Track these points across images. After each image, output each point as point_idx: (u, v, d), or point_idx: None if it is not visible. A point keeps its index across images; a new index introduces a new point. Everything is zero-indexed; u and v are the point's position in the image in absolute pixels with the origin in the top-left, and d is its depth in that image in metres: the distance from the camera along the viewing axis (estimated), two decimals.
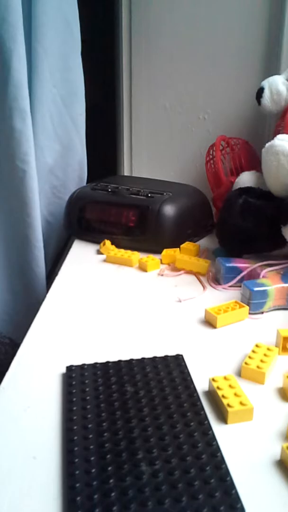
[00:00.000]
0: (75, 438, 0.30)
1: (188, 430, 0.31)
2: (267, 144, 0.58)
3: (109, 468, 0.28)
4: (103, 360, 0.39)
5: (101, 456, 0.29)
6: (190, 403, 0.34)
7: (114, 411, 0.33)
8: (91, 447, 0.29)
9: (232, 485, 0.26)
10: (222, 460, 0.28)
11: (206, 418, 0.32)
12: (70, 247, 0.72)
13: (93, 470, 0.28)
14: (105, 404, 0.33)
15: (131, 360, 0.39)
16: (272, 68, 0.81)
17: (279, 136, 0.57)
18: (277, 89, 0.72)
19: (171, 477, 0.27)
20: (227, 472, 0.27)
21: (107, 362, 0.39)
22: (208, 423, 0.32)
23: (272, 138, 0.58)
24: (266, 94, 0.72)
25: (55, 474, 0.29)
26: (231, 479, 0.27)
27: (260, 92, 0.73)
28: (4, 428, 0.33)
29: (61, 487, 0.28)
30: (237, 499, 0.26)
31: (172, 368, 0.37)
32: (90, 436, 0.30)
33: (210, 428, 0.31)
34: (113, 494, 0.26)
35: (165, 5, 0.84)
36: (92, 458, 0.29)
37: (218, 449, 0.29)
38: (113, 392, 0.35)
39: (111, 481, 0.27)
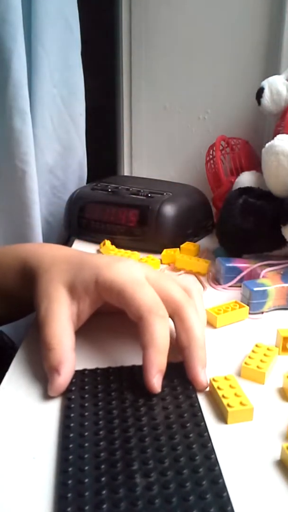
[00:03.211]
0: (71, 446, 0.30)
1: (187, 442, 0.30)
2: (267, 144, 0.58)
3: (103, 479, 0.27)
4: (105, 366, 0.39)
5: (95, 466, 0.28)
6: (191, 413, 0.33)
7: (112, 419, 0.32)
8: (86, 456, 0.29)
9: (228, 502, 0.26)
10: (220, 475, 0.28)
11: (206, 430, 0.32)
12: (70, 247, 0.72)
13: (86, 480, 0.27)
14: (103, 412, 0.33)
15: (133, 366, 0.38)
16: (272, 68, 0.81)
17: (279, 136, 0.57)
18: (277, 89, 0.72)
19: (165, 491, 0.26)
20: (223, 488, 0.27)
21: (109, 368, 0.38)
22: (208, 435, 0.31)
23: (272, 138, 0.58)
24: (266, 94, 0.72)
25: (54, 475, 0.29)
26: (227, 495, 0.26)
27: (260, 92, 0.73)
28: (4, 428, 0.33)
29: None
30: None
31: (174, 376, 0.37)
32: (86, 444, 0.30)
33: (209, 440, 0.31)
34: (104, 506, 0.25)
35: (165, 5, 0.84)
36: (86, 468, 0.28)
37: (216, 462, 0.29)
38: (113, 399, 0.34)
39: (103, 492, 0.26)
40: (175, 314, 0.39)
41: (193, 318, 0.38)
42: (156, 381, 0.35)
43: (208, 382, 0.37)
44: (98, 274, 0.39)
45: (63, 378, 0.35)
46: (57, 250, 0.44)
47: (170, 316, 0.39)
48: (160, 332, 0.36)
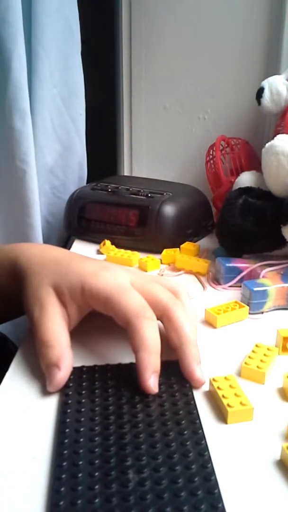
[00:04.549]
0: (66, 441, 0.30)
1: (181, 439, 0.30)
2: (267, 144, 0.58)
3: (96, 474, 0.27)
4: (103, 363, 0.39)
5: (89, 462, 0.28)
6: (186, 411, 0.33)
7: (108, 415, 0.32)
8: (81, 451, 0.29)
9: (219, 498, 0.26)
10: (212, 472, 0.28)
11: (200, 427, 0.32)
12: (70, 247, 0.72)
13: (80, 475, 0.27)
14: (99, 408, 0.33)
15: (131, 364, 0.38)
16: (272, 68, 0.81)
17: (279, 136, 0.57)
18: (277, 89, 0.72)
19: (157, 487, 0.27)
20: (215, 484, 0.27)
21: (107, 365, 0.38)
22: (202, 432, 0.31)
23: (272, 138, 0.58)
24: (266, 94, 0.72)
25: (51, 470, 0.29)
26: (219, 492, 0.26)
27: (260, 92, 0.73)
28: (4, 428, 0.33)
29: None
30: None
31: (171, 374, 0.37)
32: (81, 440, 0.30)
33: (203, 438, 0.31)
34: (97, 500, 0.26)
35: (165, 5, 0.84)
36: (81, 463, 0.28)
37: (209, 460, 0.29)
38: (109, 396, 0.34)
39: (96, 487, 0.26)
40: (163, 315, 0.39)
41: (181, 317, 0.39)
42: (152, 383, 0.35)
43: (205, 378, 0.37)
44: (84, 282, 0.39)
45: (63, 373, 0.36)
46: (48, 251, 0.44)
47: (158, 319, 0.39)
48: (149, 333, 0.36)
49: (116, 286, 0.39)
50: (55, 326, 0.38)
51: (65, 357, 0.36)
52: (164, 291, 0.40)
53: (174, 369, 0.37)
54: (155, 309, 0.38)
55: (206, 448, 0.30)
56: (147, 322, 0.36)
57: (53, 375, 0.35)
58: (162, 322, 0.40)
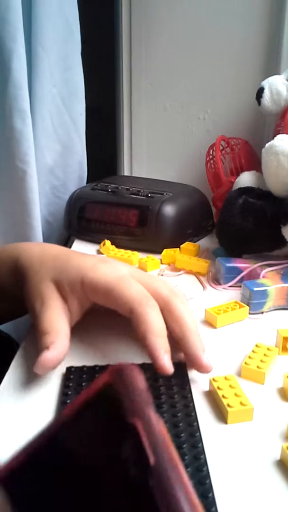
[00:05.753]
0: None
1: (178, 442, 0.30)
2: (267, 144, 0.58)
3: None
4: (104, 363, 0.39)
5: None
6: (184, 413, 0.33)
7: None
8: None
9: (213, 502, 0.26)
10: (207, 476, 0.28)
11: (198, 430, 0.32)
12: (70, 247, 0.72)
13: None
14: None
15: (132, 364, 0.38)
16: (272, 68, 0.81)
17: (279, 136, 0.57)
18: (277, 89, 0.72)
19: None
20: (209, 488, 0.27)
21: (108, 366, 0.38)
22: (200, 435, 0.31)
23: (272, 138, 0.58)
24: (266, 94, 0.72)
25: None
26: (212, 496, 0.27)
27: (260, 92, 0.73)
28: (4, 428, 0.33)
29: None
30: None
31: (170, 376, 0.36)
32: None
33: (200, 441, 0.31)
34: None
35: (165, 5, 0.84)
36: None
37: (204, 463, 0.29)
38: None
39: None
40: (163, 308, 0.39)
41: (182, 308, 0.39)
42: (166, 362, 0.35)
43: (212, 364, 0.37)
44: (83, 275, 0.39)
45: (51, 354, 0.35)
46: (48, 249, 0.45)
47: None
48: (154, 318, 0.36)
49: (116, 278, 0.39)
50: (54, 316, 0.38)
51: (58, 342, 0.36)
52: (164, 285, 0.41)
53: (174, 371, 0.37)
54: (156, 301, 0.39)
55: (202, 451, 0.30)
56: (150, 309, 0.37)
57: (40, 356, 0.35)
58: (163, 314, 0.40)
